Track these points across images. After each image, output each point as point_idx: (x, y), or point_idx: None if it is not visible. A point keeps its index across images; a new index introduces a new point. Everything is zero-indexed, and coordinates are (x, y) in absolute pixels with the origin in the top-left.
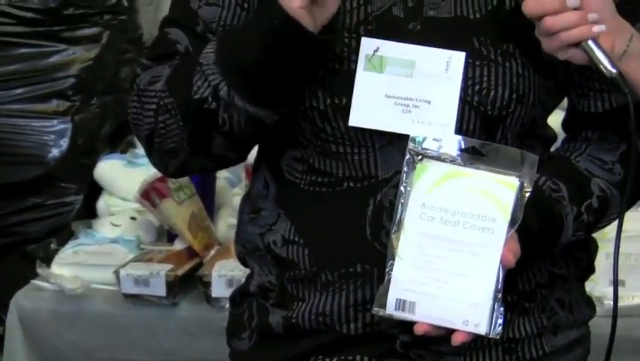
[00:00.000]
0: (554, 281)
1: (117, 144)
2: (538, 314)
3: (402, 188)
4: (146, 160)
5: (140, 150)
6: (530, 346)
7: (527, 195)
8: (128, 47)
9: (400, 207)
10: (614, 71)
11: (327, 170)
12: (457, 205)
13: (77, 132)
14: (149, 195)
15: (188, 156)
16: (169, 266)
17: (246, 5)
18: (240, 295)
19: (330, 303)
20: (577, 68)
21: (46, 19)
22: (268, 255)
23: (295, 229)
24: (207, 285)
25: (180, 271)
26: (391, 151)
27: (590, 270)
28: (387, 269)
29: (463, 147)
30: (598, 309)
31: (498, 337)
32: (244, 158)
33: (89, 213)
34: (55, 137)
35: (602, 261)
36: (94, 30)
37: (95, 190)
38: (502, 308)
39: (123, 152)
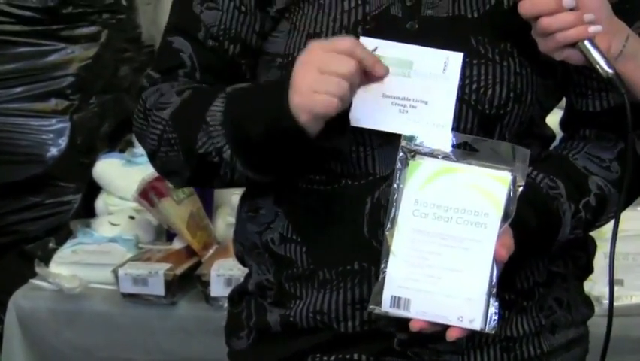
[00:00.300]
0: (553, 280)
1: (116, 143)
2: (537, 313)
3: (395, 185)
4: (144, 159)
5: (139, 149)
6: (528, 345)
7: (520, 189)
8: (126, 46)
9: (393, 204)
10: (610, 71)
11: (325, 168)
12: (450, 201)
13: (76, 131)
14: (148, 194)
15: (188, 183)
16: (167, 265)
17: (243, 8)
18: (239, 294)
19: (328, 301)
20: (575, 67)
21: (44, 17)
22: (266, 253)
23: (293, 227)
24: (206, 284)
25: (179, 271)
26: (389, 149)
27: (589, 269)
28: (381, 266)
29: (455, 142)
30: (597, 308)
31: (493, 332)
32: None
33: (88, 212)
34: (53, 136)
35: (601, 260)
36: (92, 29)
37: (93, 189)
38: (496, 303)
39: (122, 151)
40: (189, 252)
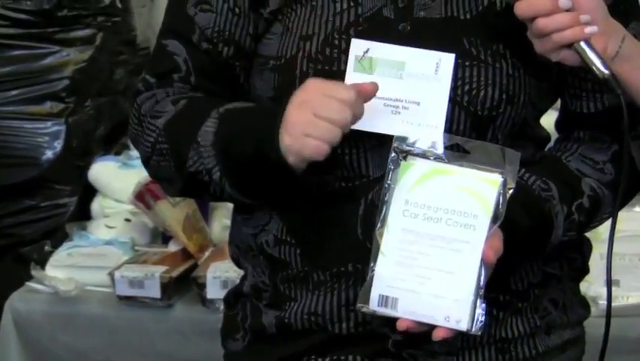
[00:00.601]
0: (548, 281)
1: (111, 145)
2: (532, 314)
3: (386, 185)
4: (140, 162)
5: (135, 151)
6: (523, 346)
7: (510, 192)
8: (121, 49)
9: (384, 204)
10: (606, 72)
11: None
12: (440, 202)
13: (71, 134)
14: (144, 196)
15: (180, 194)
16: (163, 268)
17: (237, 10)
18: (234, 296)
19: (322, 303)
20: (570, 68)
21: (39, 20)
22: (261, 255)
23: (287, 229)
24: (202, 286)
25: (175, 273)
26: (382, 151)
27: (584, 270)
28: (370, 265)
29: (447, 144)
30: (593, 309)
31: (479, 333)
32: None
33: (84, 215)
34: (49, 139)
35: (597, 261)
36: (87, 32)
37: (89, 192)
38: (484, 305)
39: (117, 153)
40: (185, 254)
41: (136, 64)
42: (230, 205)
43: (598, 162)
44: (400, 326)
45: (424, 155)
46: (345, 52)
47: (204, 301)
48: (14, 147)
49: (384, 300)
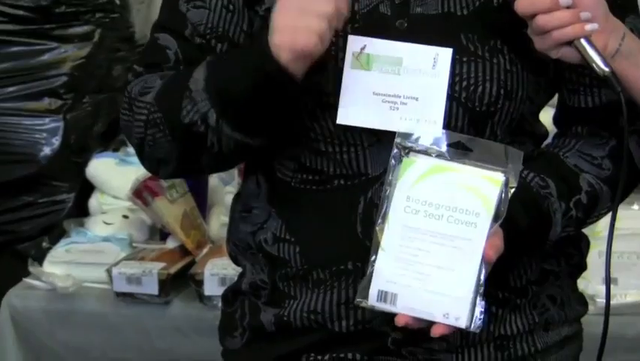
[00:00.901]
0: (545, 278)
1: (109, 142)
2: (530, 311)
3: (388, 181)
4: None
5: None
6: (522, 342)
7: (512, 190)
8: (120, 46)
9: (385, 200)
10: (606, 69)
11: (317, 168)
12: (442, 199)
13: (69, 131)
14: (142, 193)
15: (178, 166)
16: (161, 265)
17: (231, 7)
18: (232, 294)
19: (322, 301)
20: (567, 63)
21: (37, 17)
22: (259, 253)
23: (286, 227)
24: (200, 283)
25: (172, 270)
26: (381, 149)
27: (582, 267)
28: (371, 260)
29: (449, 141)
30: (591, 307)
31: (478, 331)
32: (235, 166)
33: (81, 211)
34: (47, 135)
35: (595, 259)
36: (86, 28)
37: (87, 189)
38: (483, 303)
39: (115, 150)
40: (183, 251)
41: (134, 60)
42: (228, 202)
43: (596, 158)
44: (399, 321)
45: (426, 152)
46: (343, 48)
47: (202, 298)
48: (12, 143)
49: (383, 295)
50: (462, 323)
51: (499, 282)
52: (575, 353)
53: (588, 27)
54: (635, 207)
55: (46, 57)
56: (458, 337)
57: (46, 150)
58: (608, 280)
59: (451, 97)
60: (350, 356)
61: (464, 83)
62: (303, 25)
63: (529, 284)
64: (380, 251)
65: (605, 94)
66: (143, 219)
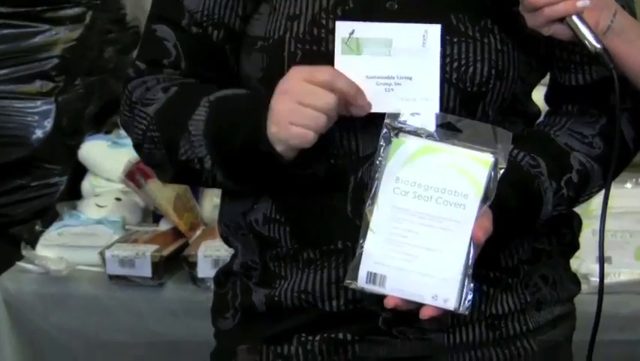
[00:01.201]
0: (538, 257)
1: (101, 124)
2: (522, 290)
3: (377, 162)
4: (130, 141)
5: None
6: (514, 322)
7: (502, 171)
8: (111, 27)
9: (375, 181)
10: (598, 46)
11: (308, 147)
12: (431, 180)
13: (61, 113)
14: (134, 175)
15: (173, 180)
16: (154, 247)
17: None
18: (224, 275)
19: (312, 280)
20: (558, 41)
21: None
22: (250, 234)
23: (277, 207)
24: (193, 265)
25: (166, 252)
26: (371, 128)
27: (575, 246)
28: (360, 242)
29: (439, 122)
30: (584, 286)
31: (467, 312)
32: None
33: (74, 194)
34: (39, 118)
35: (589, 238)
36: (77, 10)
37: (79, 171)
38: (472, 285)
39: (108, 132)
40: (176, 233)
41: (125, 43)
42: None
43: (586, 136)
44: (388, 303)
45: (415, 132)
46: (333, 32)
47: (195, 280)
48: (4, 126)
49: (372, 277)
50: (451, 305)
51: (490, 261)
52: (567, 332)
53: (580, 3)
54: (628, 185)
55: (37, 40)
56: (449, 316)
57: (39, 133)
58: (602, 259)
59: (443, 78)
60: (341, 336)
61: (455, 64)
62: (300, 122)
63: (520, 264)
64: (369, 232)
65: (596, 71)
66: (135, 201)
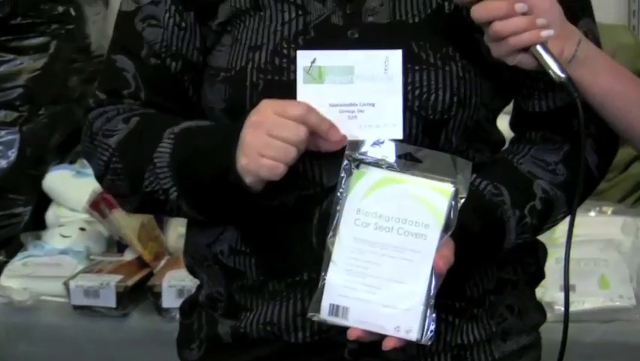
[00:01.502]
0: (503, 287)
1: (66, 154)
2: (487, 320)
3: (338, 194)
4: None
5: None
6: (479, 352)
7: (462, 201)
8: (76, 57)
9: (336, 212)
10: (563, 75)
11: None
12: (392, 211)
13: (26, 143)
14: (99, 205)
15: (137, 211)
16: (119, 277)
17: (183, 25)
18: (190, 306)
19: (278, 312)
20: (522, 69)
21: None
22: (216, 265)
23: (242, 238)
24: (158, 295)
25: (130, 282)
26: (336, 160)
27: (540, 275)
28: (322, 274)
29: (399, 153)
30: (549, 315)
31: (429, 343)
32: None
33: (38, 224)
34: (3, 148)
35: (553, 266)
36: (41, 40)
37: (43, 201)
38: (434, 315)
39: (72, 162)
40: (141, 263)
41: (90, 71)
42: None
43: (550, 163)
44: (351, 335)
45: (376, 163)
46: (295, 61)
47: (160, 311)
48: None
49: (334, 309)
50: (413, 336)
51: (455, 292)
52: None
53: (544, 33)
54: (592, 213)
55: (1, 69)
56: (414, 347)
57: (2, 163)
58: (567, 287)
59: (405, 106)
60: None
61: (417, 92)
62: (269, 155)
63: (486, 293)
64: (331, 264)
65: (560, 98)
66: (100, 231)
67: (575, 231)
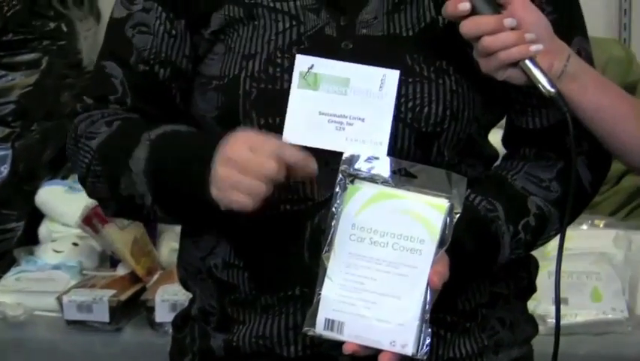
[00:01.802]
0: (495, 301)
1: (58, 169)
2: (479, 334)
3: (333, 209)
4: None
5: None
6: None
7: (457, 216)
8: (67, 72)
9: (331, 227)
10: (552, 90)
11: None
12: (387, 226)
13: (18, 159)
14: (91, 220)
15: (117, 214)
16: (112, 292)
17: (173, 32)
18: (182, 319)
19: (270, 326)
20: (514, 84)
21: None
22: (209, 279)
23: (235, 252)
24: (151, 310)
25: (123, 297)
26: (327, 173)
27: (531, 289)
28: (317, 289)
29: (394, 168)
30: (541, 328)
31: (425, 358)
32: None
33: (31, 239)
34: None
35: (545, 279)
36: (33, 56)
37: (36, 216)
38: (429, 330)
39: (64, 178)
40: (134, 278)
41: (82, 87)
42: (179, 228)
43: (544, 180)
44: (346, 349)
45: (371, 179)
46: (288, 70)
47: (153, 325)
48: None
49: (330, 324)
50: (408, 351)
51: (447, 305)
52: None
53: (533, 48)
54: (584, 227)
55: None
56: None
57: None
58: (558, 301)
59: (397, 118)
60: None
61: (410, 104)
62: (242, 187)
63: (478, 307)
64: (326, 279)
65: (553, 115)
66: (93, 246)
67: (567, 244)
